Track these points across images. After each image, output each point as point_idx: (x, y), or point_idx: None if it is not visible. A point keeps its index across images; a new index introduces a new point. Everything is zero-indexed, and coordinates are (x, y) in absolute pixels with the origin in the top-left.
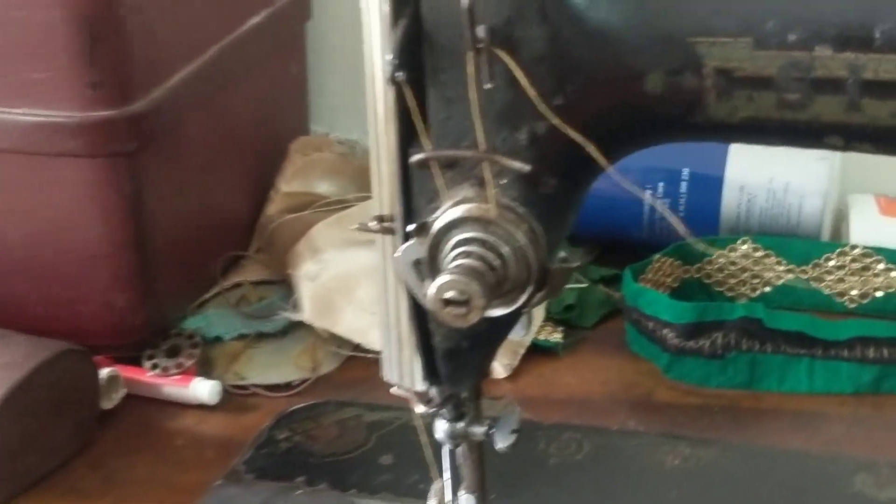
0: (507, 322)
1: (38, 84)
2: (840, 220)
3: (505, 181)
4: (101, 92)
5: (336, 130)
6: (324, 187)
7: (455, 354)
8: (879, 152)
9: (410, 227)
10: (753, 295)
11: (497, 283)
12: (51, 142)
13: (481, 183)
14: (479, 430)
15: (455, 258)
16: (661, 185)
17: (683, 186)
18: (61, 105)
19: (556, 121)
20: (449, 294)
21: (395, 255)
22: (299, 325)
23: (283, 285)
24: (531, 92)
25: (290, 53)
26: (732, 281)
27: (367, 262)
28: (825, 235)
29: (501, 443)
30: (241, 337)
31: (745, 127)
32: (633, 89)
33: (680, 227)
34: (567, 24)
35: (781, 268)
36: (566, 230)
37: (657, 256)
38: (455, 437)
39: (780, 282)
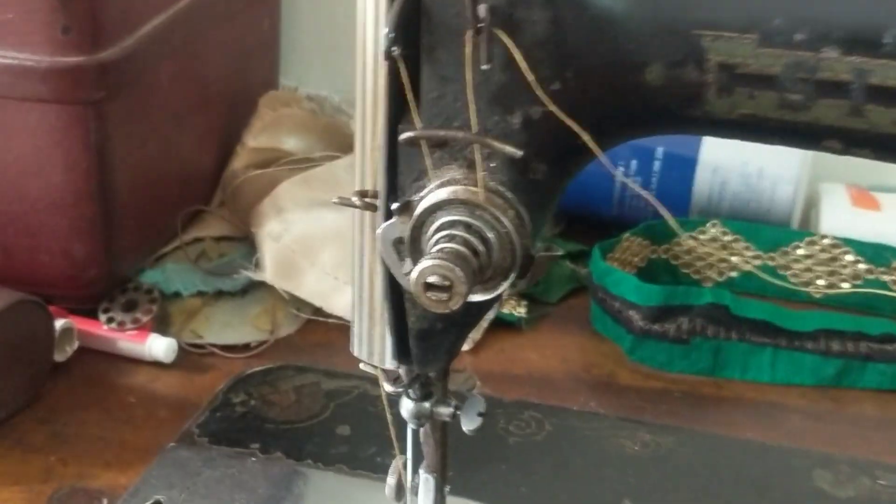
0: (485, 306)
1: (7, 25)
2: (811, 208)
3: (494, 164)
4: (72, 37)
5: (305, 85)
6: (291, 143)
7: (428, 335)
8: (878, 159)
9: (394, 206)
10: (720, 279)
11: (480, 268)
12: (17, 85)
13: (470, 165)
14: (445, 411)
15: (439, 241)
16: (634, 162)
17: (656, 165)
18: (30, 48)
19: (552, 106)
20: (432, 279)
21: (377, 232)
22: (259, 285)
23: (245, 242)
24: (529, 75)
25: (263, 6)
26: (699, 264)
27: (332, 225)
28: (795, 223)
29: (467, 425)
30: (200, 294)
31: (744, 124)
32: (633, 79)
33: (659, 207)
34: (570, 8)
35: (749, 253)
36: (549, 216)
37: (626, 235)
38: (420, 417)
39: (747, 267)
